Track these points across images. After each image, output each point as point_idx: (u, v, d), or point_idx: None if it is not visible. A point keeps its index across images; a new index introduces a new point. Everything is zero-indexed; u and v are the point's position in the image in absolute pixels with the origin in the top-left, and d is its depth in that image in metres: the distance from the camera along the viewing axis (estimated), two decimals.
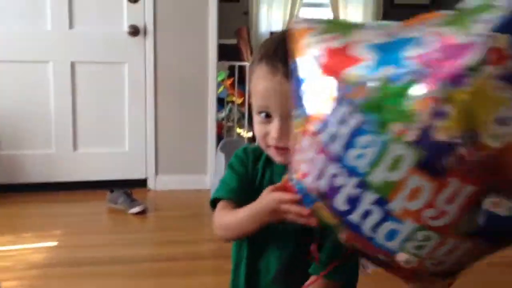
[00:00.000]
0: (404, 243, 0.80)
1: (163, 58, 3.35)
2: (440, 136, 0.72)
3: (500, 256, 2.48)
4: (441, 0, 6.19)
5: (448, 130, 0.72)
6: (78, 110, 3.34)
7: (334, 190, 0.83)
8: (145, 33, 3.30)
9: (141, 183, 3.44)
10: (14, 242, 2.53)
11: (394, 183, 0.77)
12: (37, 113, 3.29)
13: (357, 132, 0.78)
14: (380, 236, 0.81)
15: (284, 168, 1.01)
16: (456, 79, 0.73)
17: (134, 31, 3.27)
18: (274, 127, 0.95)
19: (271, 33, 5.65)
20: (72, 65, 3.29)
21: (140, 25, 3.29)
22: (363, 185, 0.79)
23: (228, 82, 4.12)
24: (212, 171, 3.39)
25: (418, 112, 0.74)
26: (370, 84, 0.79)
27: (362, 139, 0.78)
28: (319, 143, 0.83)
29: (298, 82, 0.88)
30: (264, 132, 0.97)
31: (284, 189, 0.92)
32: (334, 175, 0.82)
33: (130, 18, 3.29)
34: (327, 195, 0.84)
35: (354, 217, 0.82)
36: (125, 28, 3.28)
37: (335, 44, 0.87)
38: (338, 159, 0.81)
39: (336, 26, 0.94)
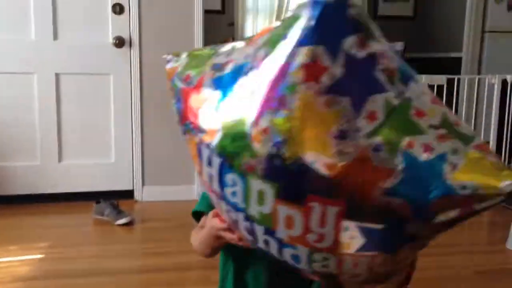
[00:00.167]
0: (310, 264, 0.81)
1: (149, 69, 3.35)
2: (285, 163, 0.73)
3: (489, 264, 2.52)
4: (423, 11, 6.27)
5: (290, 156, 0.73)
6: (63, 122, 3.32)
7: (234, 223, 0.86)
8: (130, 44, 3.30)
9: (128, 194, 3.42)
10: None
11: (268, 215, 0.78)
12: (22, 125, 3.27)
13: (222, 171, 0.81)
14: (289, 260, 0.83)
15: None
16: (276, 106, 0.74)
17: (120, 42, 3.27)
18: None
19: None
20: (57, 77, 3.28)
21: (125, 36, 3.29)
22: (249, 219, 0.81)
23: None
24: (199, 182, 3.38)
25: (257, 146, 0.75)
26: (215, 125, 0.81)
27: (228, 178, 0.80)
28: (205, 182, 0.85)
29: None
30: None
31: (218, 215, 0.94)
32: (227, 211, 0.85)
33: (115, 29, 3.29)
34: (234, 227, 0.87)
35: (261, 245, 0.84)
36: (110, 40, 3.28)
37: (190, 83, 0.91)
38: (222, 197, 0.83)
39: (196, 59, 0.97)
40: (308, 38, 0.74)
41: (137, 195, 3.44)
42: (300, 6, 0.78)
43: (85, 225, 2.99)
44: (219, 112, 0.81)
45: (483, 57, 5.35)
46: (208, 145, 0.82)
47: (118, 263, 2.43)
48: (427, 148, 0.73)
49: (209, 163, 0.82)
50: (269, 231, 0.80)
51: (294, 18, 0.77)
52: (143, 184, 3.44)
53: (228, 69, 0.85)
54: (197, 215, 1.12)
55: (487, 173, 0.72)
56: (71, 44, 3.27)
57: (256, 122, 0.75)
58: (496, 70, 4.15)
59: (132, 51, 3.31)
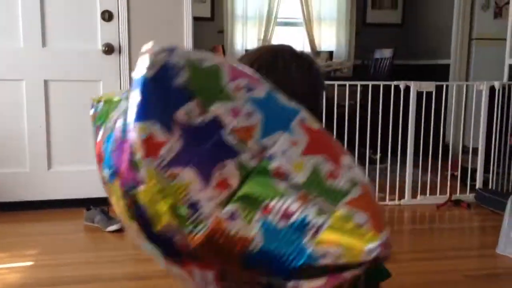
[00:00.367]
0: None
1: None
2: (155, 231, 0.74)
3: (478, 269, 2.53)
4: (411, 19, 6.33)
5: (155, 225, 0.73)
6: (52, 129, 3.30)
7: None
8: (119, 51, 3.30)
9: None
10: None
11: (168, 271, 0.81)
12: (10, 132, 3.25)
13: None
14: None
15: None
16: (133, 181, 0.74)
17: (109, 49, 3.26)
18: None
19: (246, 50, 5.69)
20: (46, 83, 3.26)
21: (114, 43, 3.28)
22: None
23: None
24: None
25: (129, 217, 0.77)
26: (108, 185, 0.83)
27: None
28: None
29: None
30: None
31: None
32: None
33: (104, 36, 3.28)
34: None
35: None
36: (100, 46, 3.27)
37: (97, 137, 0.94)
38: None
39: (107, 107, 0.96)
40: (139, 115, 0.72)
41: None
42: (135, 82, 0.76)
43: (75, 232, 2.97)
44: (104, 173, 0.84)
45: (471, 64, 5.40)
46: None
47: (109, 270, 2.41)
48: (287, 212, 0.70)
49: None
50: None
51: (132, 92, 0.76)
52: None
53: (114, 128, 0.85)
54: None
55: (350, 237, 0.67)
56: (60, 51, 3.25)
57: (123, 196, 0.76)
58: (484, 76, 4.19)
59: (121, 58, 3.30)
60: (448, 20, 5.49)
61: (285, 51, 1.01)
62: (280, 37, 6.00)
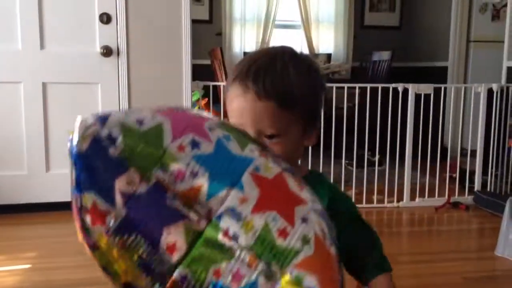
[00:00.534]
0: None
1: (137, 79, 3.34)
2: (123, 281, 0.76)
3: (477, 271, 2.53)
4: (409, 21, 6.34)
5: (122, 278, 0.76)
6: (50, 131, 3.29)
7: None
8: (118, 53, 3.29)
9: None
10: None
11: None
12: (9, 134, 3.24)
13: None
14: None
15: None
16: (91, 245, 0.76)
17: (107, 51, 3.25)
18: None
19: (245, 53, 5.69)
20: (44, 86, 3.25)
21: (113, 45, 3.28)
22: None
23: (203, 102, 4.13)
24: None
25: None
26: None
27: None
28: None
29: None
30: None
31: None
32: None
33: (102, 38, 3.27)
34: None
35: None
36: (98, 49, 3.26)
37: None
38: None
39: None
40: (79, 186, 0.72)
41: None
42: (70, 155, 0.75)
43: (73, 234, 2.91)
44: None
45: (469, 66, 5.41)
46: None
47: None
48: (237, 276, 0.69)
49: None
50: None
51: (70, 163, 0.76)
52: None
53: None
54: None
55: None
56: (58, 53, 3.25)
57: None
58: (482, 78, 4.20)
59: (119, 60, 3.30)
60: (446, 22, 5.50)
61: (284, 53, 1.01)
62: (278, 39, 6.01)
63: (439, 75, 5.42)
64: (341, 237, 0.98)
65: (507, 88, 3.72)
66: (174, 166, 0.72)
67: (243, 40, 5.95)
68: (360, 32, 6.29)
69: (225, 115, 3.11)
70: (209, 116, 0.82)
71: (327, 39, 6.20)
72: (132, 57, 3.32)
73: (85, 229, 0.74)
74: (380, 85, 3.57)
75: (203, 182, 0.72)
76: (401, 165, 3.55)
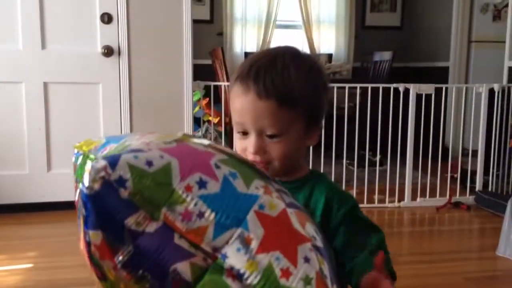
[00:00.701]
0: None
1: (138, 79, 3.34)
2: None
3: (479, 271, 2.53)
4: (410, 21, 6.33)
5: None
6: (51, 131, 3.29)
7: None
8: (119, 53, 3.29)
9: None
10: None
11: None
12: (10, 134, 3.24)
13: None
14: None
15: None
16: (100, 276, 0.79)
17: (108, 51, 3.25)
18: (250, 142, 0.99)
19: (246, 53, 5.69)
20: (45, 86, 3.25)
21: (114, 45, 3.28)
22: None
23: (204, 101, 4.13)
24: None
25: None
26: None
27: None
28: None
29: None
30: (242, 148, 1.01)
31: None
32: None
33: (103, 38, 3.27)
34: None
35: None
36: (99, 49, 3.26)
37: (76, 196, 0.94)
38: None
39: (83, 161, 0.94)
40: (89, 224, 0.75)
41: None
42: (80, 195, 0.78)
43: (74, 234, 2.94)
44: None
45: (470, 67, 5.41)
46: None
47: None
48: None
49: None
50: None
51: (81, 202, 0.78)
52: None
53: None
54: None
55: None
56: (60, 53, 3.25)
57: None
58: (483, 79, 4.19)
59: (121, 60, 3.30)
60: (447, 22, 5.50)
61: (286, 53, 1.01)
62: (279, 40, 6.01)
63: (440, 75, 5.41)
64: (336, 237, 0.99)
65: (509, 88, 3.71)
66: (182, 206, 0.74)
67: (244, 40, 5.95)
68: (361, 32, 6.29)
69: (226, 115, 3.14)
70: (215, 151, 0.84)
71: (328, 39, 6.20)
72: (133, 57, 3.32)
73: (93, 262, 0.76)
74: (381, 85, 3.57)
75: (209, 222, 0.74)
76: (402, 165, 3.55)
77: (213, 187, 0.76)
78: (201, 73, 3.79)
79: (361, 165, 3.71)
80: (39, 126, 3.26)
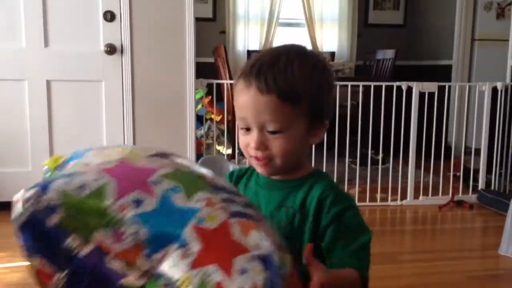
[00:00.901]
0: None
1: (141, 77, 3.34)
2: None
3: (481, 270, 2.53)
4: (413, 19, 6.32)
5: None
6: (54, 129, 3.30)
7: None
8: (122, 51, 3.30)
9: None
10: None
11: None
12: (13, 131, 3.25)
13: None
14: None
15: (268, 181, 1.04)
16: None
17: (111, 49, 3.26)
18: (252, 137, 0.99)
19: (248, 51, 5.69)
20: (48, 84, 3.26)
21: (116, 43, 3.28)
22: None
23: (207, 99, 4.13)
24: None
25: None
26: None
27: None
28: None
29: None
30: (245, 143, 1.01)
31: None
32: None
33: (106, 36, 3.28)
34: None
35: None
36: (102, 47, 3.27)
37: None
38: None
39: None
40: (24, 252, 0.78)
41: None
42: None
43: None
44: None
45: (473, 65, 5.39)
46: None
47: None
48: None
49: None
50: None
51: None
52: None
53: None
54: None
55: None
56: (62, 51, 3.25)
57: None
58: (486, 77, 4.19)
59: (123, 58, 3.30)
60: (450, 21, 5.49)
61: (290, 50, 1.00)
62: (282, 38, 6.00)
63: (443, 74, 5.41)
64: (324, 237, 0.98)
65: None
66: (115, 227, 0.74)
67: (247, 38, 5.95)
68: (364, 31, 6.28)
69: (229, 113, 3.14)
70: (162, 164, 0.84)
71: (331, 37, 6.19)
72: (135, 55, 3.32)
73: (39, 283, 0.79)
74: (384, 84, 3.56)
75: (143, 242, 0.74)
76: (405, 164, 3.55)
77: (149, 204, 0.76)
78: (203, 71, 3.79)
79: (363, 163, 3.70)
80: (42, 124, 3.27)
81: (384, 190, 3.55)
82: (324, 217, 0.99)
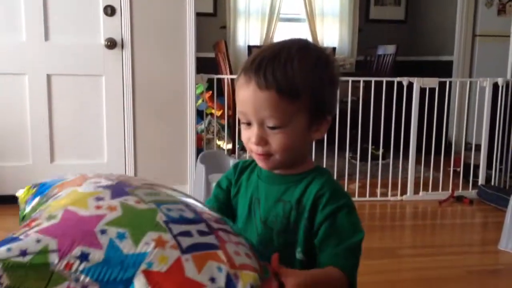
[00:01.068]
0: None
1: (141, 71, 3.34)
2: None
3: (481, 265, 2.53)
4: (414, 15, 6.31)
5: None
6: (54, 122, 3.30)
7: None
8: (122, 45, 3.29)
9: None
10: None
11: None
12: (13, 125, 3.25)
13: None
14: None
15: (269, 175, 1.04)
16: None
17: (111, 43, 3.25)
18: (253, 132, 0.99)
19: (249, 46, 5.68)
20: (48, 78, 3.26)
21: (117, 38, 3.28)
22: None
23: (207, 94, 4.13)
24: (191, 183, 3.37)
25: None
26: None
27: None
28: None
29: None
30: (247, 137, 1.01)
31: None
32: None
33: (107, 31, 3.27)
34: None
35: None
36: (102, 41, 3.26)
37: None
38: None
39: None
40: None
41: None
42: None
43: None
44: None
45: (474, 61, 5.39)
46: None
47: None
48: None
49: None
50: None
51: None
52: None
53: None
54: None
55: None
56: (63, 45, 3.25)
57: None
58: (487, 73, 4.18)
59: (124, 52, 3.30)
60: (451, 16, 5.48)
61: (292, 45, 0.99)
62: (283, 33, 5.99)
63: (444, 69, 5.40)
64: (317, 235, 0.98)
65: None
66: (62, 286, 0.74)
67: (248, 33, 5.94)
68: (365, 26, 6.27)
69: (229, 108, 3.13)
70: (110, 207, 0.83)
71: (332, 32, 6.18)
72: (136, 50, 3.32)
73: None
74: (384, 79, 3.56)
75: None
76: (405, 159, 3.55)
77: (96, 256, 0.75)
78: (204, 66, 3.78)
79: (363, 158, 3.71)
80: (42, 117, 3.27)
81: (385, 185, 3.55)
82: (319, 214, 0.98)
